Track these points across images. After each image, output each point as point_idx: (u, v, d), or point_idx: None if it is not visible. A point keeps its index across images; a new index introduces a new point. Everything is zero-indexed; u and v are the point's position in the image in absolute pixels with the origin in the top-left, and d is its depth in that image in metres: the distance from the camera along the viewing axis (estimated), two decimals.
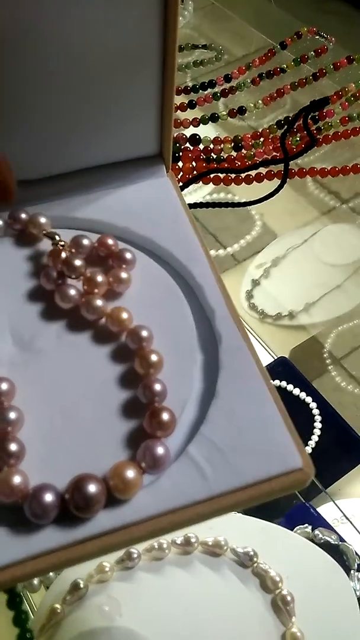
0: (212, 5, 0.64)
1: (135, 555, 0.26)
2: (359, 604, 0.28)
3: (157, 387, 0.22)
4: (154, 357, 0.23)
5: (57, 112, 0.26)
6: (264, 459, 0.21)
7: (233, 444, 0.22)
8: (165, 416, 0.21)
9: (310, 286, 0.60)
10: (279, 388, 0.51)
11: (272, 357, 0.55)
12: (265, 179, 0.38)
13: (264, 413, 0.23)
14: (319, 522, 0.39)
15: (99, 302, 0.24)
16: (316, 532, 0.37)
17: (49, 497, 0.19)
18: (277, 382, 0.51)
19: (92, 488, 0.19)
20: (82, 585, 0.25)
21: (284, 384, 0.51)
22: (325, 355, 0.58)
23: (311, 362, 0.59)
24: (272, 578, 0.26)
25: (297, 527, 0.38)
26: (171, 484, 0.21)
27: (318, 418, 0.49)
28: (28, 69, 0.24)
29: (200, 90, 0.44)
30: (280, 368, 0.52)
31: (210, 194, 0.56)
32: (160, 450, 0.20)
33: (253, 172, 0.37)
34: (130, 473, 0.19)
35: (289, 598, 0.26)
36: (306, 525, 0.38)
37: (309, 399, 0.50)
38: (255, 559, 0.27)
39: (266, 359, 0.54)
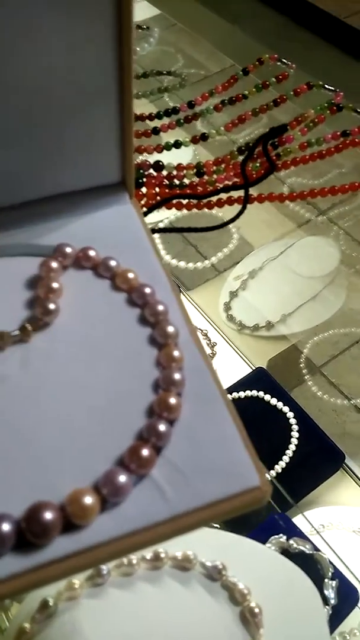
0: (178, 29, 0.65)
1: (104, 572, 0.26)
2: (327, 616, 0.29)
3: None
4: None
5: (15, 142, 0.27)
6: (223, 479, 0.22)
7: (194, 465, 0.22)
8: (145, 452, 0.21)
9: (288, 296, 0.61)
10: (256, 398, 0.52)
11: (250, 367, 0.56)
12: (225, 205, 0.39)
13: (223, 434, 0.23)
14: (294, 532, 0.40)
15: None
16: (291, 541, 0.38)
17: (5, 527, 0.19)
18: (254, 393, 0.52)
19: (48, 515, 0.19)
20: (51, 603, 0.26)
21: (261, 394, 0.51)
22: (302, 365, 0.59)
23: (289, 372, 0.59)
24: (240, 591, 0.27)
25: (272, 537, 0.39)
26: (133, 506, 0.21)
27: (295, 427, 0.50)
28: None
29: (165, 117, 0.45)
30: (258, 379, 0.53)
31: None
32: (122, 478, 0.21)
33: (214, 198, 0.38)
34: (88, 499, 0.20)
35: (256, 610, 0.27)
36: (281, 535, 0.39)
37: (286, 409, 0.50)
38: (223, 572, 0.28)
39: (244, 370, 0.55)
